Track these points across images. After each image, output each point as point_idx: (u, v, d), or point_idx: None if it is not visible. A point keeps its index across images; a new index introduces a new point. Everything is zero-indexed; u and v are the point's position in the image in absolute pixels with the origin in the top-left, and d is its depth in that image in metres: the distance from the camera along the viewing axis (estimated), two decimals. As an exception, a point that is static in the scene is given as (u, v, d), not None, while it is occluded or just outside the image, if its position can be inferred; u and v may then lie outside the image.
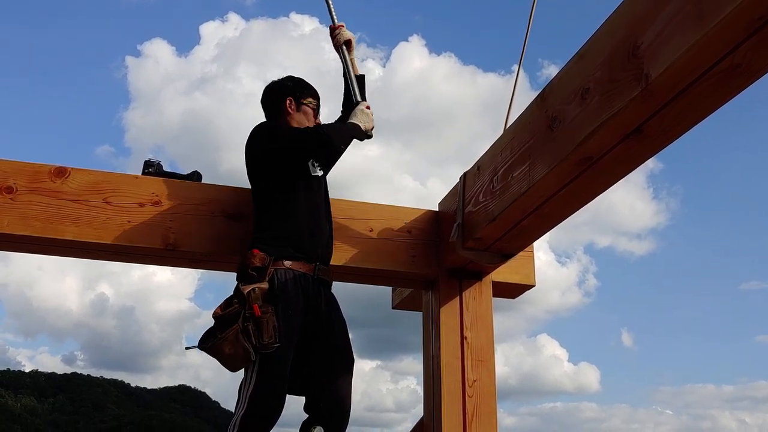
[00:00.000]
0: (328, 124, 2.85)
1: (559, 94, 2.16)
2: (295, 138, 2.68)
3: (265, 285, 2.46)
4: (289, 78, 2.94)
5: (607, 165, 2.11)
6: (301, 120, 2.84)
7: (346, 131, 2.73)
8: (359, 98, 2.88)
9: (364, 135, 2.78)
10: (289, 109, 2.84)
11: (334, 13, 3.00)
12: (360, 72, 2.98)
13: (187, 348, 2.46)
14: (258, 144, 2.73)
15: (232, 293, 2.50)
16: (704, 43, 1.55)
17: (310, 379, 2.62)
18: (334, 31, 2.98)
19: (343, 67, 2.97)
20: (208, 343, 2.41)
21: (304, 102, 2.86)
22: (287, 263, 2.56)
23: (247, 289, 2.42)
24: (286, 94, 2.86)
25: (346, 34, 2.97)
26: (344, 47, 2.97)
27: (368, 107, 2.84)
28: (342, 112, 3.02)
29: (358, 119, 2.77)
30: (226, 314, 2.40)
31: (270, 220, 2.64)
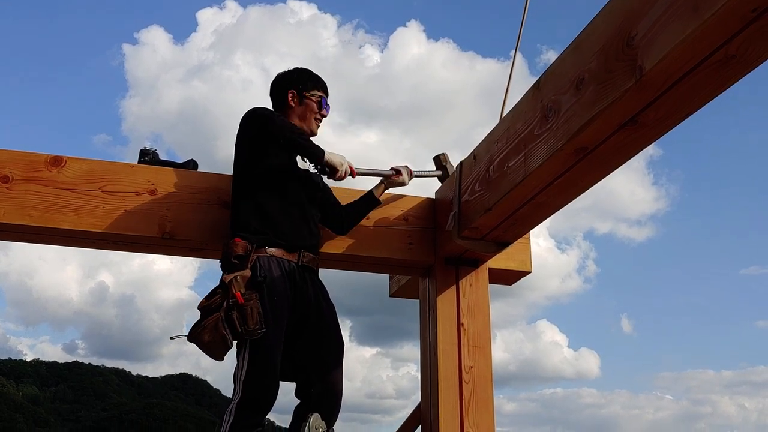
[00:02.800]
0: (288, 122, 2.72)
1: (554, 84, 2.16)
2: (250, 115, 2.69)
3: (247, 272, 2.48)
4: (296, 70, 2.92)
5: (603, 155, 2.11)
6: (303, 113, 2.83)
7: (297, 137, 2.61)
8: (359, 171, 2.81)
9: (318, 161, 2.62)
10: (291, 103, 2.83)
11: (417, 174, 3.09)
12: (379, 199, 3.00)
13: (171, 338, 2.49)
14: (246, 128, 2.72)
15: (218, 283, 2.51)
16: (699, 35, 1.55)
17: (301, 364, 2.64)
18: (404, 166, 3.01)
19: (382, 178, 3.00)
20: (190, 332, 2.43)
21: (308, 95, 2.84)
22: (270, 250, 2.57)
23: (229, 277, 2.45)
24: (288, 87, 2.85)
25: (405, 172, 2.99)
26: (394, 173, 2.98)
27: (351, 167, 2.71)
28: (358, 201, 3.01)
29: (328, 151, 2.64)
30: (210, 305, 2.43)
31: (251, 208, 2.63)
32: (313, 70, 2.94)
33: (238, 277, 2.45)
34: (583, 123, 1.96)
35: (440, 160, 3.21)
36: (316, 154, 2.63)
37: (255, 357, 2.45)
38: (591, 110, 1.92)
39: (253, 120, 2.69)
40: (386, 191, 3.05)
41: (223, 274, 2.50)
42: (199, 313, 2.45)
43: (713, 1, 1.48)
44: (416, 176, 3.09)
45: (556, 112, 2.12)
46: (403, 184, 3.02)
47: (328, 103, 2.91)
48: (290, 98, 2.83)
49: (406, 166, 3.03)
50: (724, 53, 1.60)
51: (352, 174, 2.75)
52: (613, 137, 2.00)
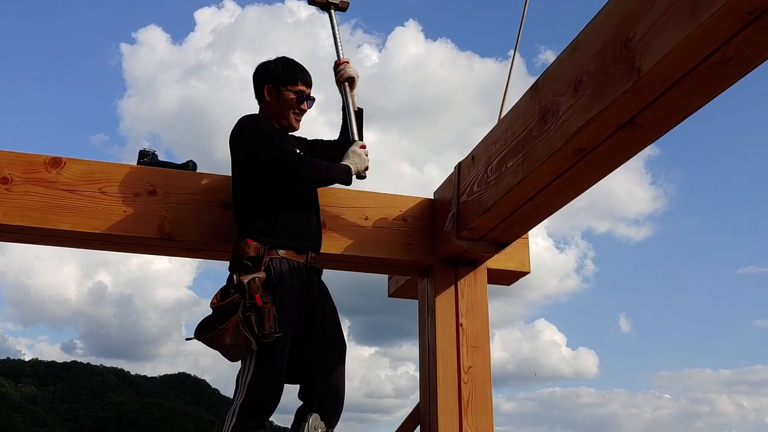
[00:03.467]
0: (316, 161, 2.68)
1: (552, 85, 2.17)
2: (275, 161, 2.59)
3: (262, 275, 2.47)
4: (278, 60, 2.82)
5: (601, 156, 2.12)
6: (280, 108, 2.75)
7: (331, 174, 2.66)
8: (356, 137, 2.81)
9: (354, 177, 2.72)
10: (267, 97, 2.76)
11: (341, 49, 2.94)
12: (359, 106, 2.89)
13: (187, 339, 2.46)
14: (243, 145, 2.66)
15: (225, 283, 2.51)
16: (696, 37, 1.56)
17: (306, 366, 2.63)
18: (338, 66, 2.90)
19: (343, 102, 2.88)
20: (208, 334, 2.41)
21: (286, 89, 2.74)
22: (281, 252, 2.56)
23: (247, 279, 2.43)
24: (266, 81, 2.77)
25: (350, 71, 2.88)
26: (346, 84, 2.88)
27: (363, 146, 2.77)
28: (337, 142, 2.92)
29: (350, 161, 2.70)
30: (225, 305, 2.40)
31: (259, 210, 2.61)
32: (296, 60, 2.83)
33: (256, 278, 2.44)
34: (581, 124, 1.97)
35: (317, 2, 3.02)
36: (349, 175, 2.68)
37: (262, 360, 2.44)
38: (589, 112, 1.93)
39: (274, 161, 2.59)
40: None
41: (235, 275, 2.48)
42: (211, 311, 2.42)
43: (711, 3, 1.49)
44: (342, 50, 2.93)
45: (554, 113, 2.13)
46: (353, 76, 2.87)
47: (311, 96, 2.80)
48: (266, 93, 2.76)
49: (336, 64, 2.90)
50: (721, 55, 1.61)
51: (364, 147, 2.80)
52: (611, 138, 2.01)
